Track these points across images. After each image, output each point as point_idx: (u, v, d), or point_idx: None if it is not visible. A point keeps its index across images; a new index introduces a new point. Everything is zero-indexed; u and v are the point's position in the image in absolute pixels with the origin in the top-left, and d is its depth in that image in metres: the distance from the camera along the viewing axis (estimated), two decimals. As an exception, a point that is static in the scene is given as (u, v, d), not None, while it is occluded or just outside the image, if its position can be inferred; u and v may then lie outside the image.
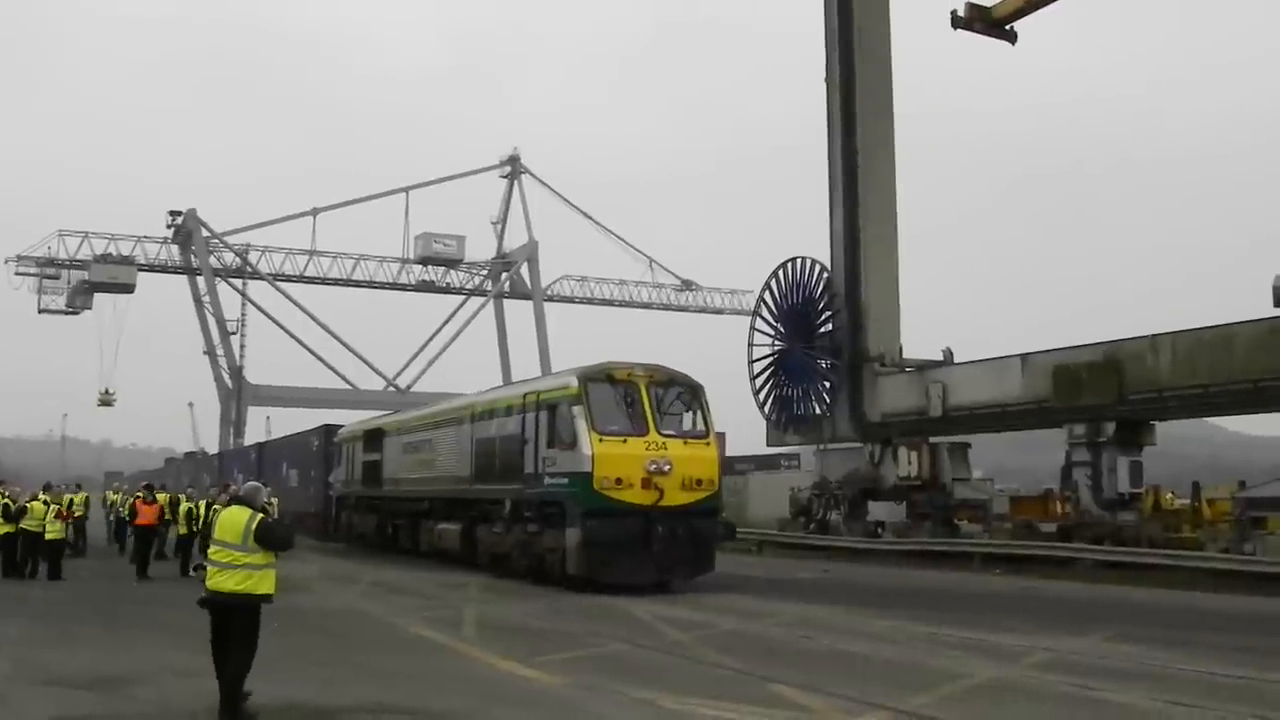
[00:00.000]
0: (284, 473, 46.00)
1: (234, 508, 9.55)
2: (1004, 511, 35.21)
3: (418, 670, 12.08)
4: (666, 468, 20.36)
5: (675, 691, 10.53)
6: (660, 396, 21.50)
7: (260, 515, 9.34)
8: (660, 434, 20.79)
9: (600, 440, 20.28)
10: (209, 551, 9.47)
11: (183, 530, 23.65)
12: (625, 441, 20.50)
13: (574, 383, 21.11)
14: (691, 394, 22.16)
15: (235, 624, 9.17)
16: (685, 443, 21.12)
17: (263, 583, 9.23)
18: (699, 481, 20.90)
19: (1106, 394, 28.81)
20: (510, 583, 22.23)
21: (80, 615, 16.62)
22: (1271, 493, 30.80)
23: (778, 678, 11.41)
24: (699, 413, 22.08)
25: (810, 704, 10.15)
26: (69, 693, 10.36)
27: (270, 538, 9.28)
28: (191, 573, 9.67)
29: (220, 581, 9.17)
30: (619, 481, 20.11)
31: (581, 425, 20.42)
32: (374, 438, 34.08)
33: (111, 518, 33.29)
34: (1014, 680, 11.64)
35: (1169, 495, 34.15)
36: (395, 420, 33.75)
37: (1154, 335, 28.34)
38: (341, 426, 40.24)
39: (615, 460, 20.18)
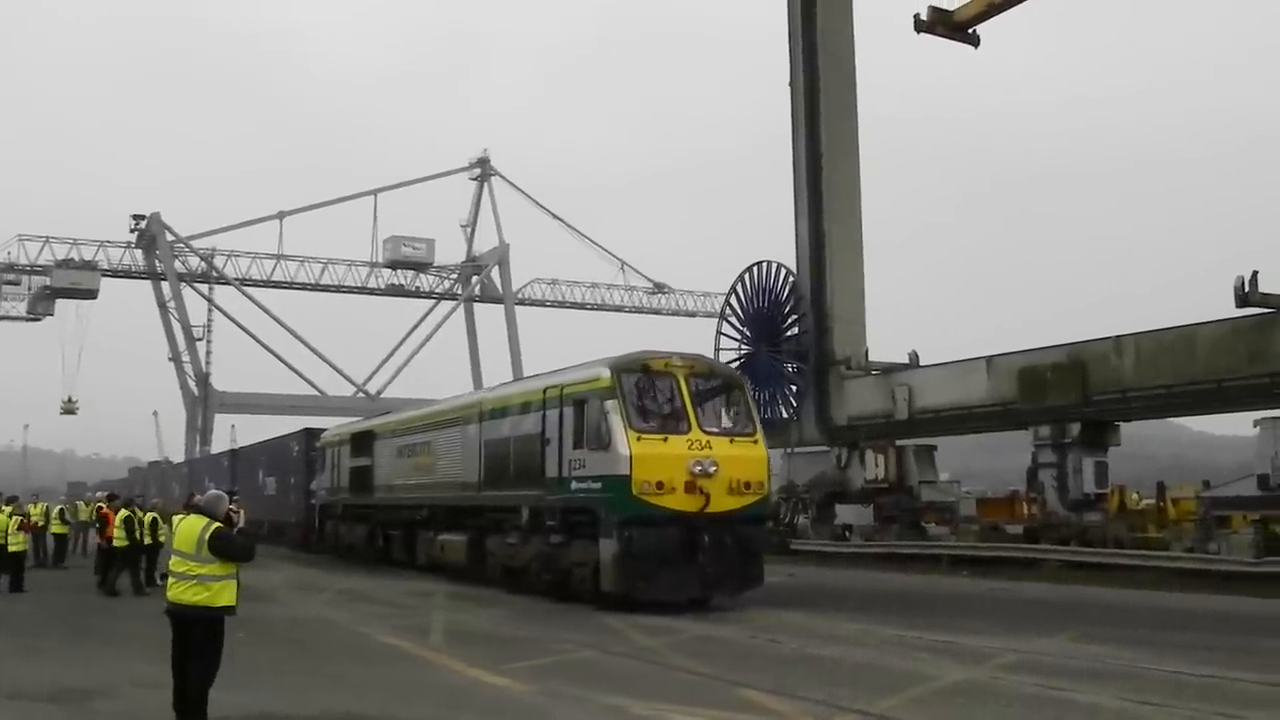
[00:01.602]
0: (260, 480, 44.07)
1: (191, 517, 9.39)
2: (971, 513, 35.42)
3: (386, 679, 12.01)
4: (712, 469, 18.15)
5: (644, 698, 10.50)
6: (701, 389, 19.36)
7: (216, 525, 9.13)
8: (703, 431, 18.59)
9: (639, 439, 18.01)
10: (170, 562, 9.34)
11: (123, 542, 22.25)
12: (666, 440, 18.26)
13: (605, 374, 18.74)
14: (735, 386, 20.46)
15: (194, 637, 9.01)
16: (731, 441, 18.99)
17: (221, 594, 9.02)
18: (747, 485, 18.72)
19: (1071, 395, 29.04)
20: (480, 589, 22.11)
21: (43, 628, 16.41)
22: (1235, 492, 31.01)
23: (747, 682, 11.41)
24: (743, 407, 20.17)
25: (780, 708, 10.16)
26: (32, 705, 10.23)
27: (227, 548, 9.07)
28: (158, 581, 9.60)
29: (178, 593, 9.02)
30: (660, 485, 17.83)
31: (616, 422, 18.13)
32: (363, 441, 31.66)
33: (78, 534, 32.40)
34: (982, 682, 11.69)
35: (1134, 496, 34.44)
36: (389, 421, 31.11)
37: (1118, 336, 28.58)
38: (324, 430, 37.98)
39: (656, 461, 17.91)
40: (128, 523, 22.18)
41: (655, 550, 17.82)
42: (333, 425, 38.64)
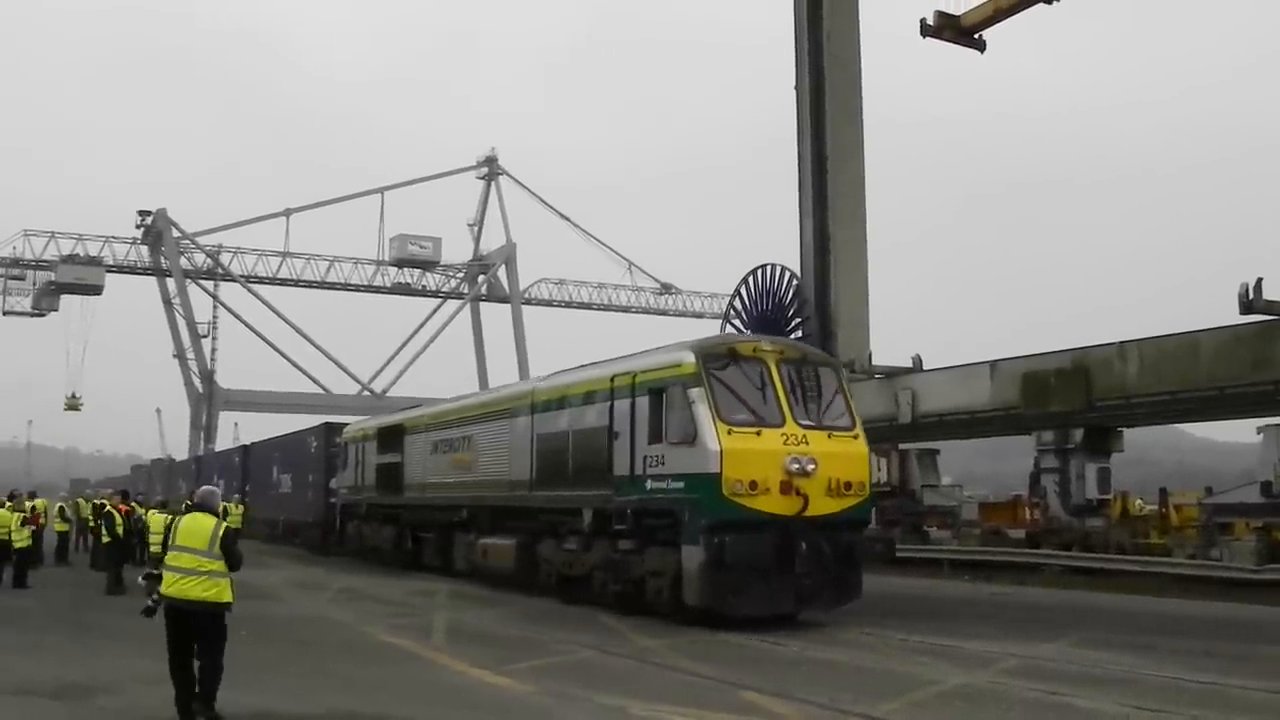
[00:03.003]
0: (274, 478, 41.98)
1: (197, 514, 9.56)
2: (973, 518, 35.46)
3: (388, 678, 12.04)
4: (810, 467, 16.18)
5: (645, 698, 10.54)
6: (793, 377, 17.31)
7: (225, 524, 9.44)
8: (799, 424, 16.63)
9: (729, 432, 16.03)
10: (169, 558, 9.44)
11: (105, 538, 22.40)
12: (759, 434, 16.28)
13: (689, 359, 16.82)
14: (831, 374, 18.21)
15: (202, 632, 9.17)
16: (829, 436, 16.90)
17: (225, 591, 9.30)
18: (848, 485, 16.74)
19: (1075, 400, 28.99)
20: (480, 588, 22.13)
21: (47, 624, 16.47)
22: (1238, 499, 31.06)
23: (748, 684, 11.45)
24: (840, 397, 17.92)
25: (781, 710, 10.20)
26: (36, 701, 10.28)
27: (233, 551, 9.34)
28: (140, 581, 9.81)
29: (185, 588, 9.16)
30: (753, 486, 15.84)
31: (703, 413, 16.12)
32: (391, 436, 29.48)
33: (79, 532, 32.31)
34: (983, 686, 11.72)
35: (1138, 502, 34.48)
36: (422, 415, 28.51)
37: (1122, 342, 28.55)
38: (345, 424, 35.62)
39: (748, 458, 15.94)
40: (108, 519, 22.23)
41: (749, 559, 15.68)
42: (350, 422, 36.28)
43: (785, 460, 16.12)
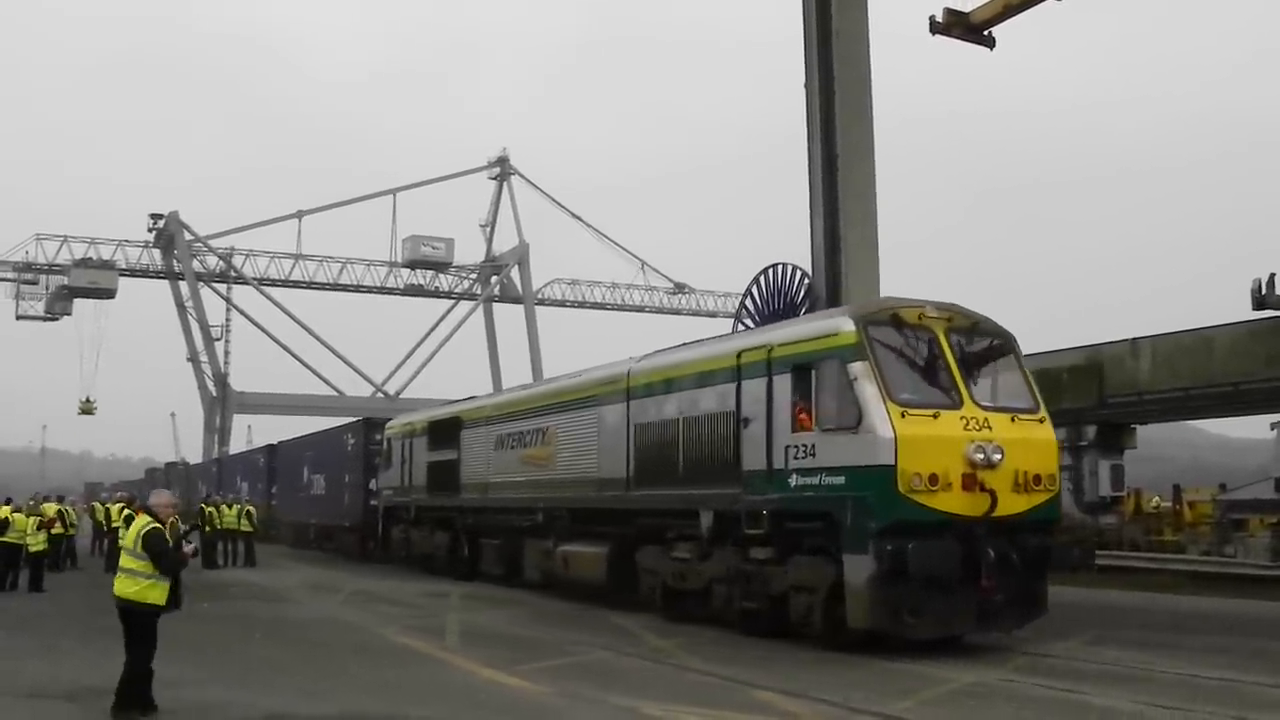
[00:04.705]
0: (305, 479, 39.27)
1: (141, 516, 10.16)
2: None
3: (401, 679, 12.06)
4: (996, 457, 13.44)
5: (658, 699, 10.54)
6: (965, 349, 14.51)
7: (153, 525, 9.77)
8: (978, 406, 13.89)
9: (903, 415, 13.20)
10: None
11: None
12: (936, 417, 13.49)
13: (848, 327, 13.92)
14: (1007, 347, 15.21)
15: (130, 631, 9.77)
16: (1013, 420, 14.10)
17: (150, 592, 9.67)
18: (1037, 479, 13.93)
19: (1088, 397, 28.95)
20: (492, 589, 22.12)
21: (61, 627, 16.49)
22: (1253, 495, 30.97)
23: (762, 684, 11.44)
24: (1019, 374, 15.09)
25: (794, 709, 10.19)
26: (50, 703, 10.37)
27: (156, 552, 9.65)
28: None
29: (119, 585, 9.79)
30: (933, 480, 13.06)
31: (869, 392, 13.29)
32: (446, 430, 26.41)
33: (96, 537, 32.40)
34: (996, 684, 11.68)
35: (1156, 499, 34.36)
36: (484, 405, 25.55)
37: (1134, 338, 28.50)
38: (387, 419, 32.64)
39: (926, 446, 13.16)
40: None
41: (933, 570, 12.88)
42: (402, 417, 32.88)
43: (968, 449, 13.40)
